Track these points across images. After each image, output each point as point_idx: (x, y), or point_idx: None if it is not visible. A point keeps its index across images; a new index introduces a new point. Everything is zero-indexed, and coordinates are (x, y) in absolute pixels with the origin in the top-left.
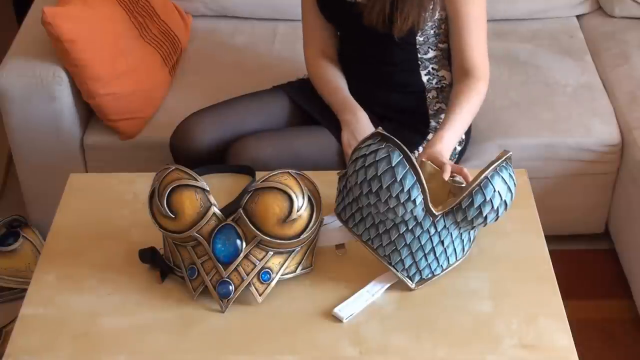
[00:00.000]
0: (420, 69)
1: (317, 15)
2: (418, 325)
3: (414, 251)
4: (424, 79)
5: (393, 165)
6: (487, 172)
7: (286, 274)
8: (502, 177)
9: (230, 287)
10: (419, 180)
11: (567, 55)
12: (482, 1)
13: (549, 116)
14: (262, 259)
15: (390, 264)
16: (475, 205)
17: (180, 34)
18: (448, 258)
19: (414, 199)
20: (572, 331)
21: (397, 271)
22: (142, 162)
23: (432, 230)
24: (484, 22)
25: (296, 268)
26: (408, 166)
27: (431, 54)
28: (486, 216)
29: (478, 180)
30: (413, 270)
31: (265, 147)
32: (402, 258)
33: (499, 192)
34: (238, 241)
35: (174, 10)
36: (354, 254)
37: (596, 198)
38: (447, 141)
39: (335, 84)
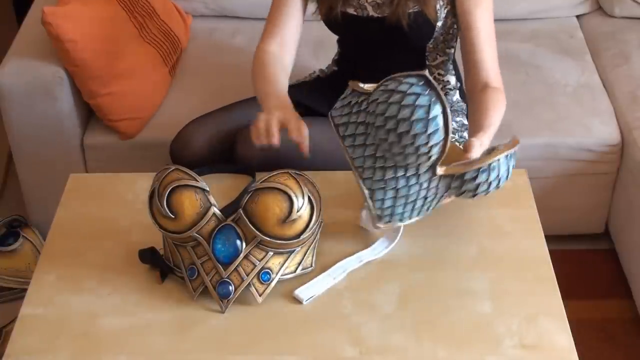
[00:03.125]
0: None
1: (300, 6)
2: (418, 325)
3: (398, 196)
4: None
5: (430, 117)
6: (499, 156)
7: (286, 274)
8: (508, 165)
9: (230, 288)
10: (445, 140)
11: (567, 55)
12: (490, 8)
13: (549, 116)
14: (262, 259)
15: (371, 197)
16: (476, 182)
17: (180, 34)
18: (418, 213)
19: (431, 156)
20: (572, 331)
21: (373, 207)
22: (142, 162)
23: (425, 185)
24: (494, 32)
25: (296, 268)
26: (442, 124)
27: (439, 60)
28: (476, 193)
29: (490, 161)
30: (387, 212)
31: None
32: (385, 198)
33: (500, 178)
34: (238, 241)
35: (174, 10)
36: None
37: (596, 198)
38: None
39: (278, 77)
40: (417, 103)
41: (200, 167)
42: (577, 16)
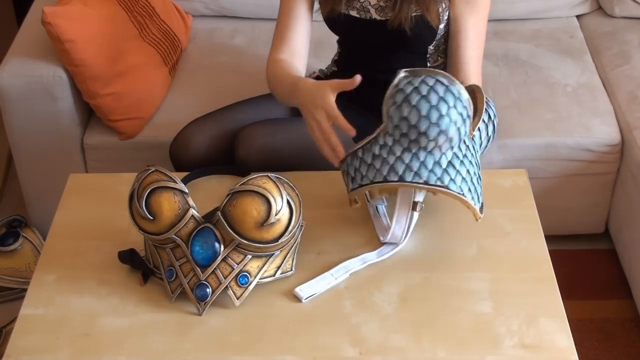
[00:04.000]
0: None
1: (307, 14)
2: (418, 325)
3: (472, 175)
4: None
5: (449, 86)
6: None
7: (265, 277)
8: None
9: (208, 290)
10: (468, 97)
11: (567, 55)
12: (485, 17)
13: (549, 116)
14: (240, 262)
15: (465, 196)
16: (492, 119)
17: (180, 34)
18: (480, 180)
19: (469, 115)
20: (572, 331)
21: (472, 201)
22: (142, 162)
23: (472, 151)
24: (484, 38)
25: (275, 272)
26: (459, 84)
27: (440, 61)
28: (495, 130)
29: (485, 97)
30: (476, 196)
31: (277, 133)
32: (469, 187)
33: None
34: (216, 244)
35: (174, 10)
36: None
37: (596, 198)
38: None
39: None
40: (431, 85)
41: (200, 167)
42: (577, 16)
